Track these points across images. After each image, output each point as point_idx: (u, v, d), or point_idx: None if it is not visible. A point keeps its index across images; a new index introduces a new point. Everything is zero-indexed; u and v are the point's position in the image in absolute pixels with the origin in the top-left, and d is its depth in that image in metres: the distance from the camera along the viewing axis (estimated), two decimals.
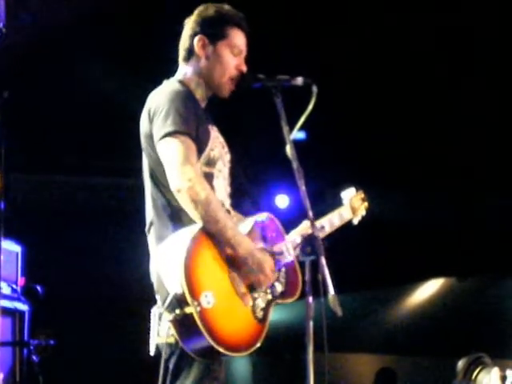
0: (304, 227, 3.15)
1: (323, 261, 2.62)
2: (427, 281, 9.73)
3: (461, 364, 4.38)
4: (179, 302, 2.71)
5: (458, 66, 6.03)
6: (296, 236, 3.14)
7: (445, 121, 6.57)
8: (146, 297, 3.02)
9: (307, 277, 2.66)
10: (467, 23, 5.66)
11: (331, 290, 2.56)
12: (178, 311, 2.72)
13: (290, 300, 3.10)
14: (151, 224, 2.98)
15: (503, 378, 4.10)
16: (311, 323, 2.62)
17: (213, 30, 3.07)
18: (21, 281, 5.25)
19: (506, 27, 5.67)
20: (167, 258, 2.82)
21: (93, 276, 7.05)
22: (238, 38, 3.10)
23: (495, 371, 4.18)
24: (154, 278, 2.92)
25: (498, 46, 5.85)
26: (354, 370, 10.62)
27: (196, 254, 2.78)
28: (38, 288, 5.22)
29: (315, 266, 2.64)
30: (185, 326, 2.73)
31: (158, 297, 2.88)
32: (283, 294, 3.07)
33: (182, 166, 2.81)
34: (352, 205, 3.50)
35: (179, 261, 2.73)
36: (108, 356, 6.90)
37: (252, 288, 2.93)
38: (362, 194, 3.58)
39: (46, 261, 6.41)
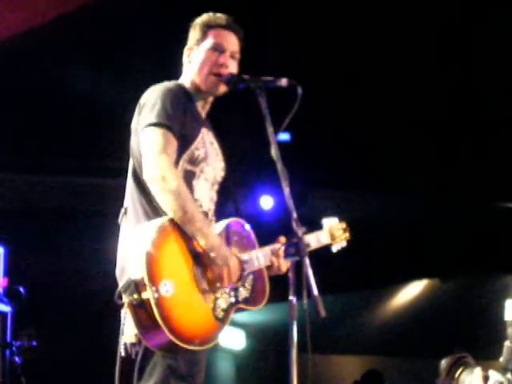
0: (277, 245, 3.14)
1: (307, 262, 2.63)
2: (410, 282, 9.77)
3: (444, 363, 4.39)
4: (137, 286, 2.73)
5: (456, 65, 6.04)
6: (267, 249, 3.15)
7: (425, 121, 6.59)
8: None
9: (291, 278, 2.67)
10: (464, 26, 5.68)
11: (315, 291, 2.57)
12: (135, 296, 2.74)
13: (254, 308, 3.10)
14: (124, 213, 3.02)
15: (485, 378, 4.11)
16: (295, 324, 2.63)
17: (195, 38, 3.17)
18: (3, 282, 5.23)
19: (505, 27, 5.69)
20: (132, 245, 2.84)
21: (76, 277, 7.02)
22: (220, 37, 3.15)
23: (478, 371, 4.20)
24: (118, 267, 2.95)
25: (498, 45, 5.86)
26: (338, 372, 10.64)
27: (161, 242, 2.80)
28: (21, 289, 5.20)
29: (299, 266, 2.64)
30: (141, 312, 2.75)
31: (120, 285, 2.88)
32: (248, 301, 3.07)
33: (158, 156, 2.86)
34: (331, 231, 3.52)
35: (143, 247, 2.75)
36: (92, 357, 6.87)
37: (214, 286, 2.93)
38: (343, 225, 3.60)
39: (29, 262, 6.38)
